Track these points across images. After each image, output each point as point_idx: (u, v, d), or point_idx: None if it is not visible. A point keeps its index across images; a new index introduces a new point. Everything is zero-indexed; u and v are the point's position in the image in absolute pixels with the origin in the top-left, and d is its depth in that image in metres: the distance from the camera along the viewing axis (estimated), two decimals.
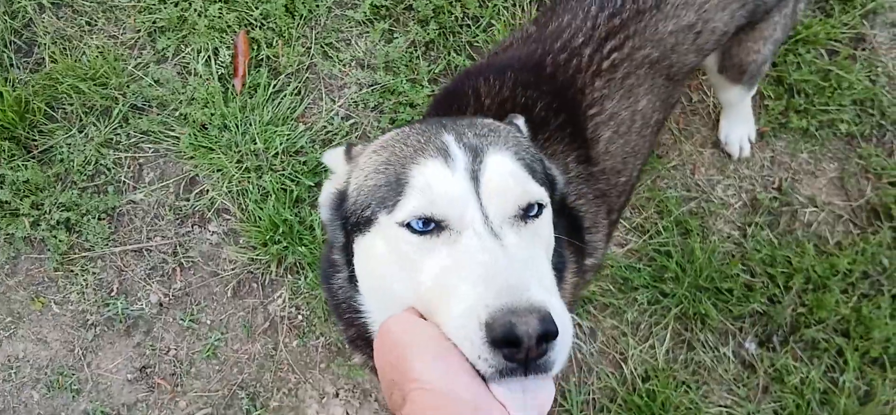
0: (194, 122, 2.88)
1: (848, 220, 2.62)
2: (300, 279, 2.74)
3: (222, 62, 2.93)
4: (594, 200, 1.82)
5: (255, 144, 2.81)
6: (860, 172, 2.66)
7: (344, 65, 2.92)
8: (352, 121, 2.88)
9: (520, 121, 1.47)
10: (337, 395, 2.71)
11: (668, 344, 2.55)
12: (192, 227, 2.88)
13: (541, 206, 1.24)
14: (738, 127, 2.62)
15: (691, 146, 2.72)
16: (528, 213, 1.21)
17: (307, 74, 2.93)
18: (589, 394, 2.55)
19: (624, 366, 2.55)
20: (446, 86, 1.96)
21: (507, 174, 1.21)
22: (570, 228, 1.76)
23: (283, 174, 2.79)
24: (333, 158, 1.52)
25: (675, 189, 2.68)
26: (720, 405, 2.50)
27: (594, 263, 1.88)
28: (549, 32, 1.85)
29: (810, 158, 2.68)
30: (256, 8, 2.94)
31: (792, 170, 2.68)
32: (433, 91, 2.79)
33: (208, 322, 2.80)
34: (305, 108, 2.89)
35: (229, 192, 2.83)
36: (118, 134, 2.96)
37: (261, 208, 2.75)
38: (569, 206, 1.74)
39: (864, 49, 2.74)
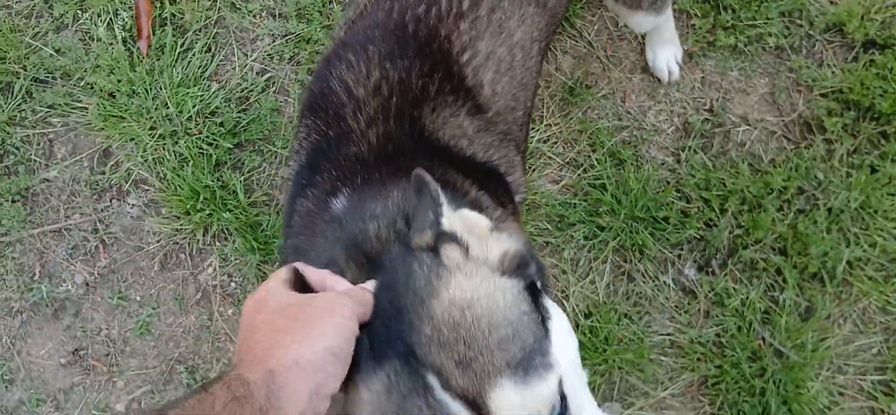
0: (101, 90, 2.56)
1: (781, 136, 2.42)
2: (228, 246, 2.46)
3: (124, 24, 2.56)
4: (501, 145, 1.62)
5: (168, 108, 2.48)
6: (791, 85, 2.44)
7: (254, 16, 2.59)
8: (268, 75, 2.56)
9: (438, 195, 1.11)
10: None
11: (607, 278, 2.35)
12: (111, 201, 2.57)
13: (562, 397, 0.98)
14: (664, 50, 2.38)
15: (620, 73, 2.47)
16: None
17: (216, 29, 2.59)
18: None
19: (565, 303, 2.35)
20: (310, 85, 1.65)
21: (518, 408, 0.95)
22: (494, 184, 1.57)
23: (200, 138, 2.48)
24: None
25: (606, 119, 2.44)
26: (663, 334, 2.32)
27: (521, 198, 1.72)
28: None
29: (741, 76, 2.45)
30: None
31: (723, 89, 2.46)
32: None
33: (138, 298, 2.52)
34: (217, 65, 2.56)
35: (145, 161, 2.52)
36: (23, 110, 2.62)
37: (180, 176, 2.46)
38: (482, 161, 1.55)
39: None
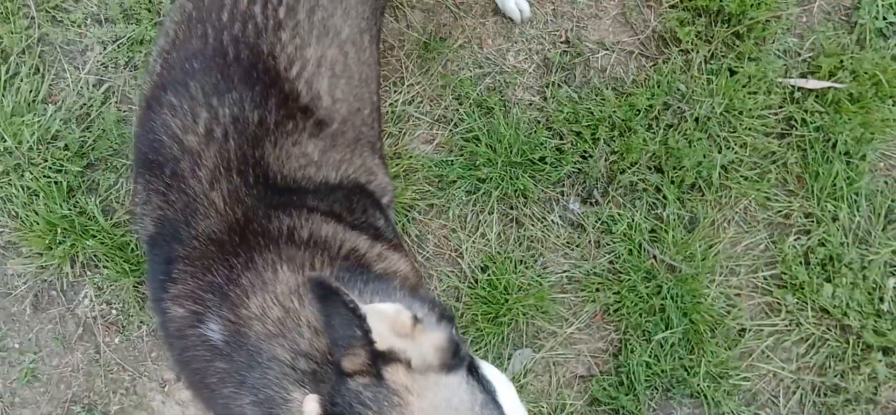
0: None
1: (639, 55, 2.32)
2: (100, 274, 2.23)
3: None
4: (354, 154, 1.46)
5: (4, 141, 2.21)
6: (641, 2, 2.33)
7: (79, 26, 2.31)
8: (105, 86, 2.31)
9: (356, 306, 0.97)
10: (179, 378, 2.29)
11: (497, 228, 2.24)
12: None
13: None
14: None
15: (472, 20, 2.32)
16: None
17: (40, 48, 2.31)
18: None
19: (461, 262, 2.24)
20: (137, 136, 1.44)
21: None
22: (359, 201, 1.44)
23: (46, 166, 2.23)
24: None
25: (467, 69, 2.29)
26: (559, 272, 2.24)
27: (390, 198, 1.57)
28: (209, 4, 1.39)
29: (590, 1, 2.32)
30: None
31: (575, 18, 2.34)
32: None
33: (16, 346, 2.30)
34: (49, 86, 2.29)
35: None
36: None
37: (33, 211, 2.21)
38: (337, 183, 1.40)
39: None
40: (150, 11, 2.27)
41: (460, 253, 2.26)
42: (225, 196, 1.30)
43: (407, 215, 2.24)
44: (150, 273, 1.40)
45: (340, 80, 1.44)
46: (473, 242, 2.25)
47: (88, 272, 2.27)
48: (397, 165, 2.24)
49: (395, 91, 2.28)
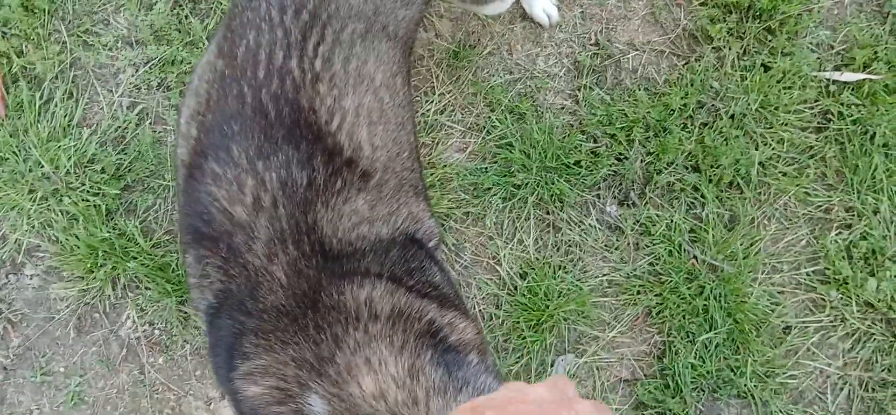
0: None
1: (670, 54, 2.22)
2: (141, 295, 2.17)
3: None
4: (401, 204, 1.37)
5: (42, 167, 2.15)
6: (670, 1, 2.23)
7: (110, 49, 2.24)
8: (139, 107, 2.24)
9: None
10: (223, 396, 2.21)
11: (534, 234, 2.14)
12: (7, 276, 2.24)
13: None
14: None
15: (501, 26, 2.22)
16: None
17: (73, 72, 2.25)
18: (474, 307, 2.14)
19: (499, 269, 2.15)
20: (183, 209, 1.34)
21: None
22: (414, 255, 1.36)
23: (84, 190, 2.16)
24: None
25: (497, 76, 2.20)
26: (599, 276, 2.14)
27: (437, 241, 1.49)
28: (242, 62, 1.28)
29: (619, 2, 2.23)
30: None
31: (604, 20, 2.24)
32: None
33: (62, 370, 2.22)
34: (84, 110, 2.23)
35: (32, 228, 2.19)
36: None
37: (73, 235, 2.15)
38: (390, 238, 1.32)
39: None
40: (180, 31, 2.20)
41: (498, 260, 2.17)
42: (285, 269, 1.22)
43: (444, 224, 2.15)
44: (214, 347, 1.31)
45: (378, 128, 1.35)
46: (511, 248, 2.16)
47: (130, 294, 2.21)
48: (432, 174, 2.15)
49: (426, 101, 2.19)
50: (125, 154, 2.20)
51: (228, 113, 1.27)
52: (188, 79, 2.08)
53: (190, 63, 2.17)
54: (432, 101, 2.20)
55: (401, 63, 1.46)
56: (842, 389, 2.10)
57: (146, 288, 2.17)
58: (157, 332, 2.22)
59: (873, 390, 2.09)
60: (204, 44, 2.19)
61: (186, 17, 2.21)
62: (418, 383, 1.13)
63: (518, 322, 2.11)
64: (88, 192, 2.16)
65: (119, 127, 2.22)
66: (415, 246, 1.37)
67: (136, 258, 2.14)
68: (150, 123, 2.20)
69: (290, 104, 1.25)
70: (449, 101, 2.20)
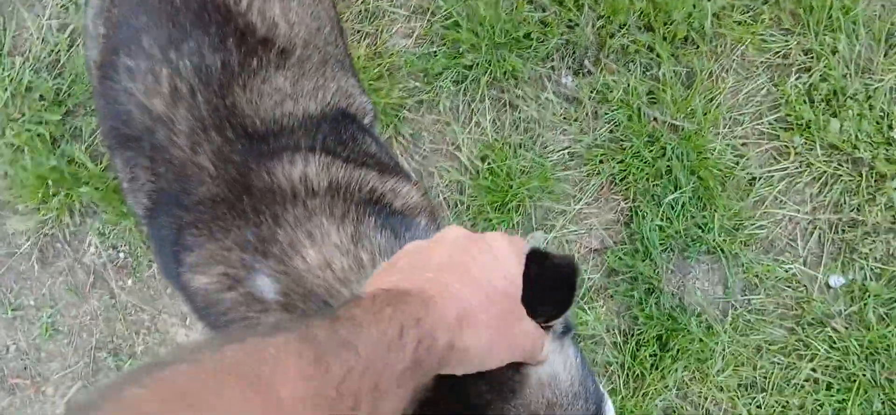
0: None
1: None
2: (99, 218, 2.11)
3: None
4: (325, 77, 1.30)
5: None
6: None
7: None
8: (70, 28, 2.13)
9: None
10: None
11: (491, 115, 2.08)
12: None
13: None
14: None
15: None
16: None
17: None
18: (437, 196, 2.09)
19: (459, 155, 2.09)
20: (101, 112, 1.29)
21: None
22: (350, 128, 1.31)
23: (25, 120, 2.07)
24: None
25: None
26: (560, 149, 2.09)
27: (371, 118, 1.43)
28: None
29: None
30: None
31: None
32: None
33: (32, 303, 2.20)
34: (13, 38, 2.11)
35: None
36: None
37: (21, 167, 2.07)
38: (320, 113, 1.27)
39: None
40: None
41: (457, 146, 2.11)
42: (211, 158, 1.16)
43: (397, 115, 2.08)
44: (157, 248, 1.27)
45: (292, 3, 1.28)
46: (469, 132, 2.10)
47: (89, 219, 2.16)
48: (379, 64, 2.07)
49: None
50: (62, 78, 2.11)
51: (133, 4, 1.19)
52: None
53: None
54: None
55: None
56: (812, 233, 2.08)
57: (103, 212, 2.12)
58: (121, 255, 2.18)
59: (843, 231, 2.07)
60: None
61: None
62: (363, 248, 1.10)
63: (483, 206, 2.07)
64: (30, 121, 2.08)
65: (51, 51, 2.11)
66: (347, 120, 1.31)
67: (87, 183, 2.07)
68: (82, 43, 2.10)
69: None
70: None
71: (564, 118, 2.10)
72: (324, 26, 1.34)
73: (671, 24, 2.01)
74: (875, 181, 2.03)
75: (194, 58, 1.16)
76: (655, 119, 2.06)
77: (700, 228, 2.06)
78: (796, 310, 2.08)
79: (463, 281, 0.69)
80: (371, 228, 1.13)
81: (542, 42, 2.04)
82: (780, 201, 2.07)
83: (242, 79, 1.18)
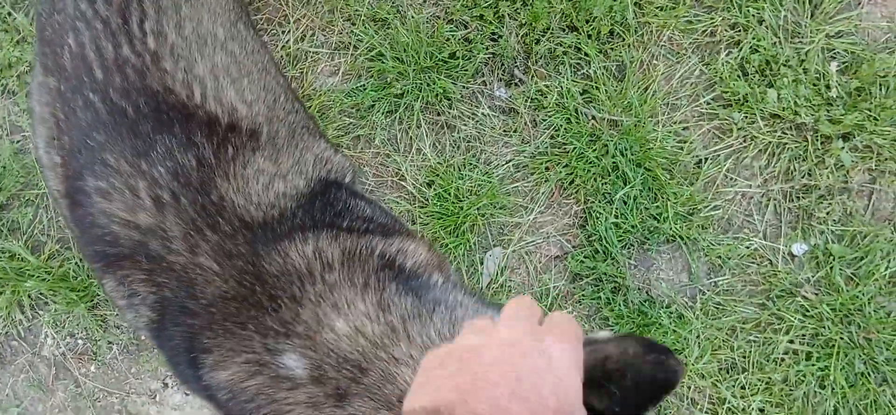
0: None
1: None
2: (50, 310, 2.05)
3: None
4: (299, 149, 1.28)
5: None
6: None
7: None
8: None
9: None
10: (166, 385, 2.12)
11: (430, 139, 2.03)
12: None
13: None
14: None
15: None
16: None
17: None
18: None
19: (404, 184, 2.03)
20: (80, 240, 1.23)
21: None
22: (339, 196, 1.29)
23: None
24: None
25: None
26: (505, 163, 2.03)
27: (352, 175, 1.42)
28: (74, 70, 1.16)
29: None
30: None
31: None
32: None
33: None
34: None
35: None
36: None
37: None
38: (310, 188, 1.26)
39: None
40: (6, 31, 2.02)
41: (401, 175, 2.05)
42: (213, 256, 1.11)
43: (339, 150, 2.02)
44: (173, 358, 1.20)
45: (243, 82, 1.24)
46: (411, 159, 2.04)
47: (40, 312, 2.09)
48: (310, 106, 2.01)
49: (283, 32, 2.04)
50: None
51: (85, 126, 1.14)
52: (29, 79, 1.91)
53: (27, 61, 1.99)
54: (289, 31, 2.04)
55: (236, 9, 1.33)
56: (767, 205, 2.02)
57: (53, 302, 2.05)
58: (79, 342, 2.11)
59: (797, 198, 2.01)
60: (34, 38, 2.01)
61: (8, 14, 2.02)
62: (391, 314, 1.08)
63: (437, 232, 2.01)
64: None
65: None
66: (333, 187, 1.28)
67: (33, 276, 2.01)
68: (6, 135, 2.04)
69: (143, 93, 1.13)
70: (307, 26, 2.04)
71: (504, 131, 2.04)
72: (278, 96, 1.30)
73: (593, 22, 1.96)
74: (821, 144, 1.98)
75: (167, 162, 1.11)
76: (594, 118, 2.00)
77: (655, 218, 2.00)
78: (764, 285, 2.01)
79: (511, 398, 0.64)
80: (394, 293, 1.11)
81: (468, 59, 1.99)
82: (731, 179, 2.01)
83: (222, 170, 1.13)
